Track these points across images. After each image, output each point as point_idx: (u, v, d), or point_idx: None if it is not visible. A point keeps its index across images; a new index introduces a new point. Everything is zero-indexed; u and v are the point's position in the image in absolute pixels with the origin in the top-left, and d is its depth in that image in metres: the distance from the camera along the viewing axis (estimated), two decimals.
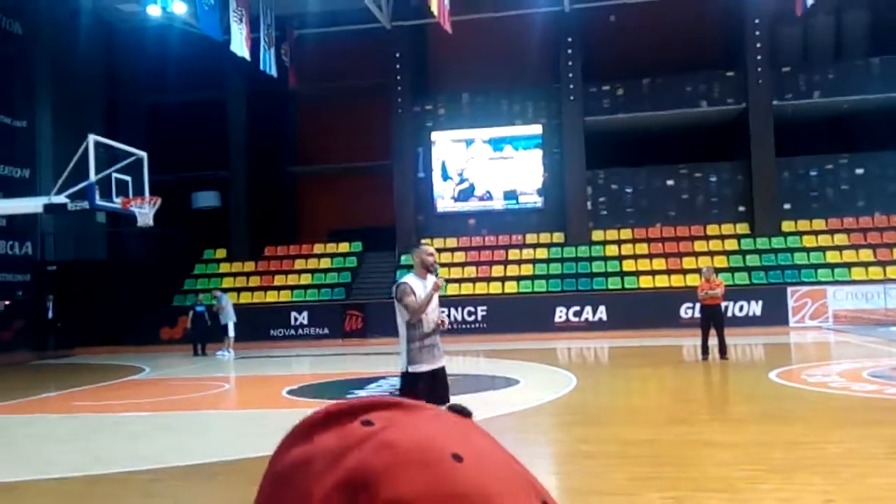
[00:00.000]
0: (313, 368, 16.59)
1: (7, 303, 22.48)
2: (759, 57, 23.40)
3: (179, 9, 19.82)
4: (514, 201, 25.12)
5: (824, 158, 23.77)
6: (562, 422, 8.75)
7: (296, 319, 22.96)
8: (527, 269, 23.63)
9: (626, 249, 23.74)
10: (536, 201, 25.02)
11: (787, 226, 23.59)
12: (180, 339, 21.70)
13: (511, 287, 23.08)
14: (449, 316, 20.11)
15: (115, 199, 14.88)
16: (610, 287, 22.43)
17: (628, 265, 23.15)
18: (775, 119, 23.34)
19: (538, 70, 25.36)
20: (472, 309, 22.05)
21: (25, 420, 10.22)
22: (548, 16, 23.96)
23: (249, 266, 25.73)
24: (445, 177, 25.32)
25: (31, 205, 16.19)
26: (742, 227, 23.95)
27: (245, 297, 23.82)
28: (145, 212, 15.35)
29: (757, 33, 23.45)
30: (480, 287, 23.14)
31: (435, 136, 25.34)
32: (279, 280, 24.99)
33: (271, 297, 24.15)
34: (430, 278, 5.69)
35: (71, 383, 14.10)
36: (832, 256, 22.30)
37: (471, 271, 23.69)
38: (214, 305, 19.25)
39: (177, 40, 23.58)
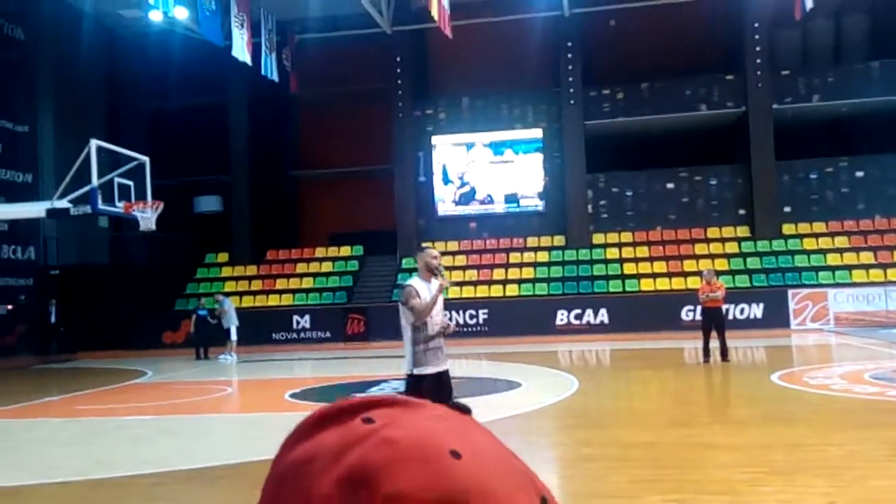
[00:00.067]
0: (315, 372, 16.60)
1: (10, 307, 22.52)
2: (758, 60, 23.43)
3: (181, 14, 19.85)
4: (515, 205, 25.13)
5: (824, 161, 23.80)
6: (563, 425, 8.77)
7: (298, 323, 22.99)
8: (528, 273, 23.65)
9: (627, 252, 23.75)
10: (537, 205, 25.03)
11: (787, 228, 23.59)
12: (182, 342, 21.74)
13: (512, 290, 23.09)
14: (450, 319, 20.08)
15: (118, 204, 14.93)
16: (611, 290, 22.45)
17: (629, 268, 23.16)
18: (775, 122, 23.37)
19: (538, 74, 25.39)
20: (474, 312, 22.07)
21: (28, 424, 10.24)
22: (548, 20, 24.00)
23: (251, 270, 25.77)
24: (446, 180, 25.33)
25: (33, 209, 16.23)
26: (742, 230, 23.96)
27: (247, 301, 23.87)
28: (148, 216, 15.38)
29: (756, 37, 23.48)
30: (482, 290, 23.17)
31: (435, 140, 25.37)
32: (281, 284, 25.00)
33: (273, 300, 24.18)
34: (435, 281, 5.70)
35: (73, 387, 14.12)
36: (833, 259, 22.30)
37: (472, 274, 23.69)
38: (217, 309, 19.28)
39: (178, 45, 23.66)
